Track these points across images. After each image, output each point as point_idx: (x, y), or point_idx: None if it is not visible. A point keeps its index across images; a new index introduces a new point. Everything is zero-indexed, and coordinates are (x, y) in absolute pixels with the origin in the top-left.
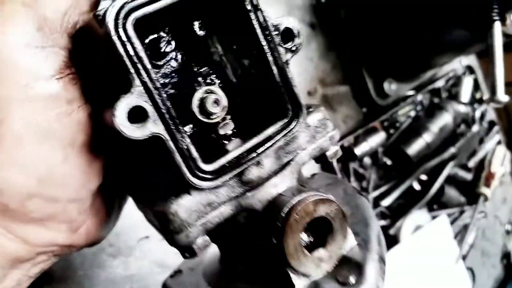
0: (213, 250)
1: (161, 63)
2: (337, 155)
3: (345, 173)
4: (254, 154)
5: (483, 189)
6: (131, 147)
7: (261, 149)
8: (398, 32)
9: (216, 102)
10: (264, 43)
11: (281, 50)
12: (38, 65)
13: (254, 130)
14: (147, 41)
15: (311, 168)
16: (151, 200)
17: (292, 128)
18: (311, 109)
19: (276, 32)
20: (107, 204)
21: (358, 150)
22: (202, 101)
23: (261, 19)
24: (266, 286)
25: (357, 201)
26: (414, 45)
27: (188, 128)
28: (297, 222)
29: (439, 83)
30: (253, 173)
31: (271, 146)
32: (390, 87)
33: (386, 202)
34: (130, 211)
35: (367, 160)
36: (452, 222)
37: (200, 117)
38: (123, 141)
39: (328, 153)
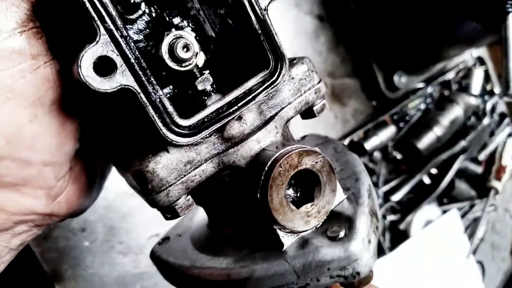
0: (202, 215)
1: (133, 17)
2: (324, 109)
3: None
4: (234, 108)
5: (494, 183)
6: (103, 104)
7: (242, 102)
8: (408, 24)
9: (186, 46)
10: None
11: None
12: None
13: (234, 85)
14: None
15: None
16: (129, 161)
17: (275, 80)
18: (295, 61)
19: None
20: (88, 171)
21: (368, 145)
22: (172, 47)
23: None
24: (254, 247)
25: (347, 157)
26: (424, 37)
27: (166, 90)
28: (281, 175)
29: (449, 75)
30: (235, 128)
31: (252, 99)
32: (400, 79)
33: (396, 197)
34: (140, 209)
35: (377, 155)
36: (462, 216)
37: (170, 64)
38: (93, 96)
39: (315, 107)
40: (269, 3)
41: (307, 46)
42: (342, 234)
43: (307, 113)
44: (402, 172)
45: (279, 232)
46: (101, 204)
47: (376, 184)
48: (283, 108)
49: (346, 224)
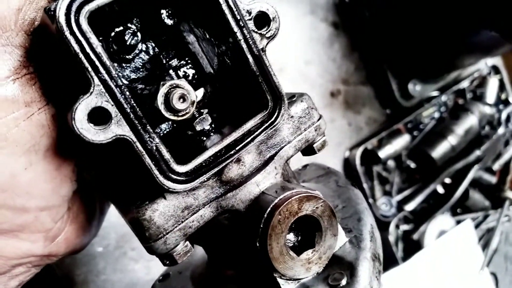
0: (202, 252)
1: (130, 56)
2: (325, 146)
3: (368, 176)
4: (233, 151)
5: (509, 193)
6: (100, 151)
7: (241, 145)
8: (424, 31)
9: (183, 97)
10: (236, 29)
11: (256, 36)
12: None
13: (233, 125)
14: (113, 34)
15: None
16: (126, 205)
17: (273, 121)
18: (294, 99)
19: (249, 17)
20: (87, 209)
21: (382, 153)
22: (167, 97)
23: (231, 3)
24: None
25: (349, 193)
26: (440, 45)
27: (164, 126)
28: (280, 223)
29: (464, 84)
30: (233, 171)
31: (251, 141)
32: (415, 88)
33: (409, 206)
34: None
35: (390, 163)
36: (476, 227)
37: (166, 114)
38: (88, 146)
39: (315, 145)
40: (266, 44)
41: (321, 53)
42: (343, 282)
43: (308, 150)
44: (416, 181)
45: (279, 280)
46: (114, 210)
47: (389, 193)
48: (282, 147)
49: (348, 271)
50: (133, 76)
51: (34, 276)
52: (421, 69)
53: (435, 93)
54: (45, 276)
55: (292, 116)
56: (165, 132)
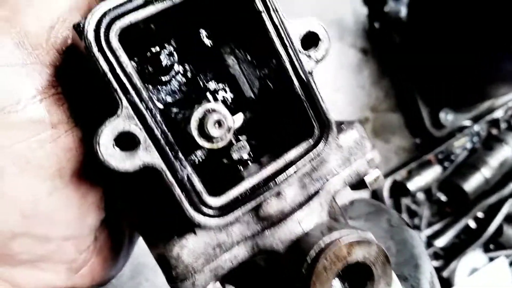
0: None
1: (166, 78)
2: (378, 181)
3: (396, 209)
4: (272, 184)
5: None
6: (126, 179)
7: (282, 177)
8: (456, 59)
9: (219, 122)
10: (281, 49)
11: (303, 58)
12: (16, 85)
13: (273, 154)
14: (148, 54)
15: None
16: (154, 238)
17: (319, 151)
18: (342, 125)
19: (297, 37)
20: (115, 239)
21: (412, 185)
22: (202, 122)
23: (276, 22)
24: None
25: (404, 234)
26: (472, 73)
27: (198, 153)
28: (326, 270)
29: (498, 113)
30: (273, 206)
31: (294, 173)
32: (446, 117)
33: (440, 242)
34: None
35: (420, 196)
36: (511, 264)
37: (200, 141)
38: (114, 174)
39: (367, 179)
40: (315, 66)
41: (351, 79)
42: None
43: (359, 185)
44: (447, 215)
45: None
46: None
47: (418, 227)
48: (329, 181)
49: None
50: (168, 99)
51: None
52: (453, 98)
53: (467, 123)
54: None
55: (340, 146)
56: (199, 160)
